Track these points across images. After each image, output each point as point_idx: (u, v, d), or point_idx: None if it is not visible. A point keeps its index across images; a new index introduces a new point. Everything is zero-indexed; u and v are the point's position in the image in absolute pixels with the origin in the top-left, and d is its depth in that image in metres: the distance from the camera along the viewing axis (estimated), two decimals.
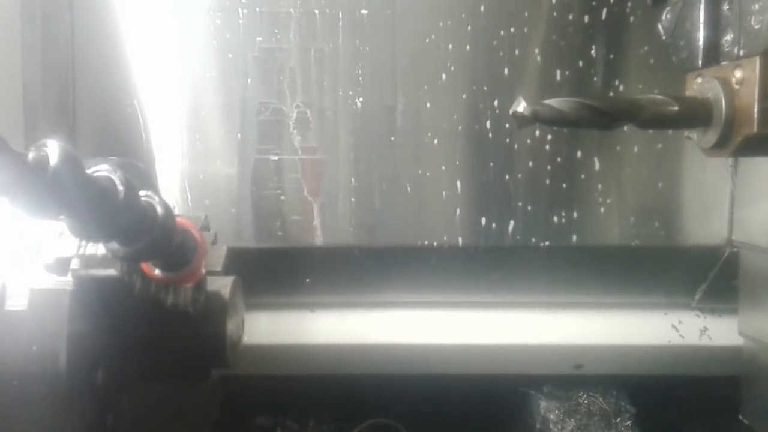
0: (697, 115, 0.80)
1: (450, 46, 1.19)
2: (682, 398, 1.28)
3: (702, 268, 1.24)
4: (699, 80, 0.82)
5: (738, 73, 0.76)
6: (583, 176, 1.20)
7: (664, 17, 0.88)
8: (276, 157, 1.19)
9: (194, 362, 0.86)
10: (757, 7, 0.73)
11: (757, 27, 0.74)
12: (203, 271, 0.79)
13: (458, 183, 1.21)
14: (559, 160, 1.20)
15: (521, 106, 0.77)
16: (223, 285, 0.88)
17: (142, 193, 0.66)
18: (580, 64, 1.18)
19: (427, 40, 1.19)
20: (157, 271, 0.74)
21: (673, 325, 1.25)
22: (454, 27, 1.19)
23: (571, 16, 1.17)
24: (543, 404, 1.22)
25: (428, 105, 1.20)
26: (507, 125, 1.20)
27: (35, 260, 0.75)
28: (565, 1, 1.17)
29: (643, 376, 1.26)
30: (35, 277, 0.74)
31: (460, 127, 1.21)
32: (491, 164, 1.21)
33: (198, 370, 0.88)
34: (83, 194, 0.57)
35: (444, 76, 1.20)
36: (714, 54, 0.81)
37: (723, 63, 0.80)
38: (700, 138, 0.82)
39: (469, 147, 1.21)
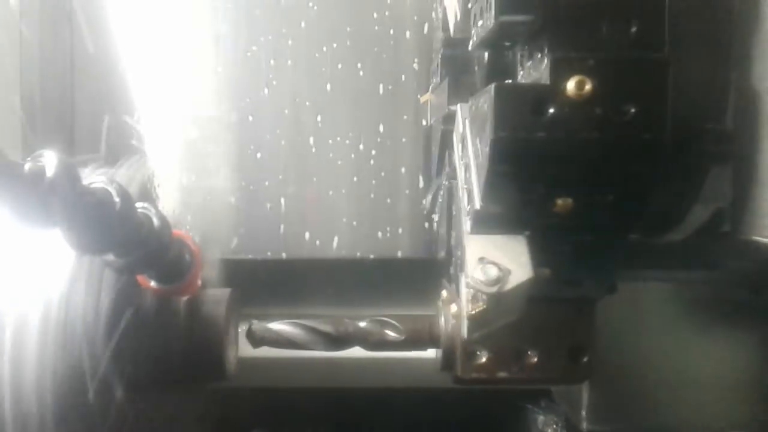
0: (422, 338, 0.83)
1: (271, 61, 1.16)
2: None
3: None
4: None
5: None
6: (407, 191, 1.22)
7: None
8: None
9: (190, 375, 0.81)
10: None
11: None
12: (200, 283, 0.78)
13: (282, 198, 1.18)
14: (383, 174, 1.22)
15: (254, 327, 0.82)
16: (220, 297, 0.84)
17: (138, 204, 0.65)
18: (403, 78, 1.21)
19: (248, 53, 1.16)
20: (152, 283, 0.73)
21: None
22: (274, 42, 1.17)
23: (392, 31, 1.20)
24: (540, 419, 1.23)
25: (251, 118, 1.16)
26: (330, 141, 1.19)
27: None
28: (387, 17, 1.20)
29: None
30: None
31: (283, 142, 1.18)
32: (314, 179, 1.19)
33: (194, 383, 0.85)
34: (79, 205, 0.56)
35: (266, 90, 1.16)
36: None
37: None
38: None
39: (292, 161, 1.19)
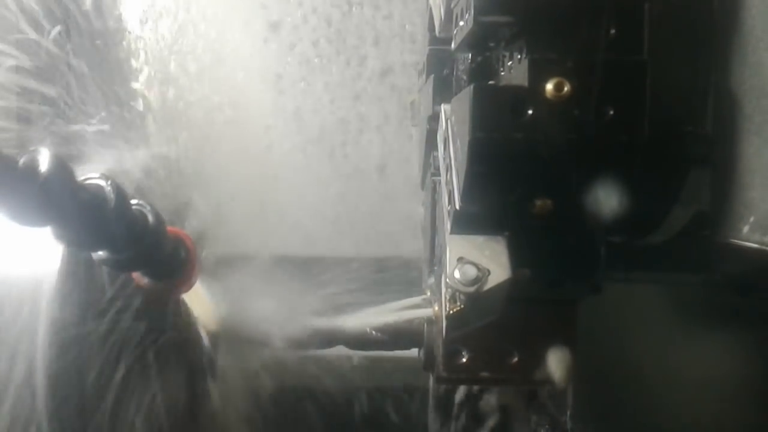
0: (404, 337, 0.85)
1: None
2: None
3: None
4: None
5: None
6: None
7: None
8: None
9: (184, 374, 0.83)
10: None
11: None
12: (195, 279, 0.78)
13: None
14: None
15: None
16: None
17: (133, 201, 0.64)
18: None
19: None
20: (147, 280, 0.73)
21: None
22: None
23: None
24: (534, 418, 1.22)
25: None
26: None
27: None
28: None
29: None
30: None
31: None
32: None
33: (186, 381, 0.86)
34: (73, 202, 0.56)
35: None
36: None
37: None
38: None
39: None
